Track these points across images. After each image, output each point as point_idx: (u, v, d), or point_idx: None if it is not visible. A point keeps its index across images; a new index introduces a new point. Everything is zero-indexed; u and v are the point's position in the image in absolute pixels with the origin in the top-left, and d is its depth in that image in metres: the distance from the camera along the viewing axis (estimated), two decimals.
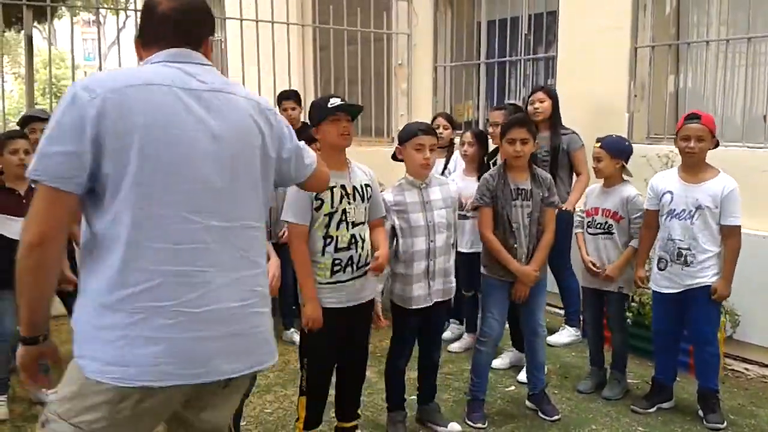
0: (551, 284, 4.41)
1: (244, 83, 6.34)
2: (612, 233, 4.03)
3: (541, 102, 4.88)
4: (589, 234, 4.13)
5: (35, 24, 11.72)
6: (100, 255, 1.75)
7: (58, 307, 4.58)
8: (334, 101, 3.07)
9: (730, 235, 3.67)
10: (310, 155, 2.18)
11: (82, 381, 1.74)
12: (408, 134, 3.39)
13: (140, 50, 1.94)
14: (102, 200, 1.73)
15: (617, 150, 4.03)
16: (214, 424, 2.00)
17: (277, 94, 5.76)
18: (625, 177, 4.07)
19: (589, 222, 4.13)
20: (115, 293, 1.72)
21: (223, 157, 1.82)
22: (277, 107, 5.70)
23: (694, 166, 3.72)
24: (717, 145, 3.74)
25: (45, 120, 4.42)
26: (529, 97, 5.07)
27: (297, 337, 3.98)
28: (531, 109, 4.89)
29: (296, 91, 5.86)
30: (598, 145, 4.05)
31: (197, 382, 1.79)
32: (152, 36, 1.89)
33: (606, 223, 4.05)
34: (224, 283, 1.82)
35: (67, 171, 1.67)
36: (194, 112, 1.78)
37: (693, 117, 3.70)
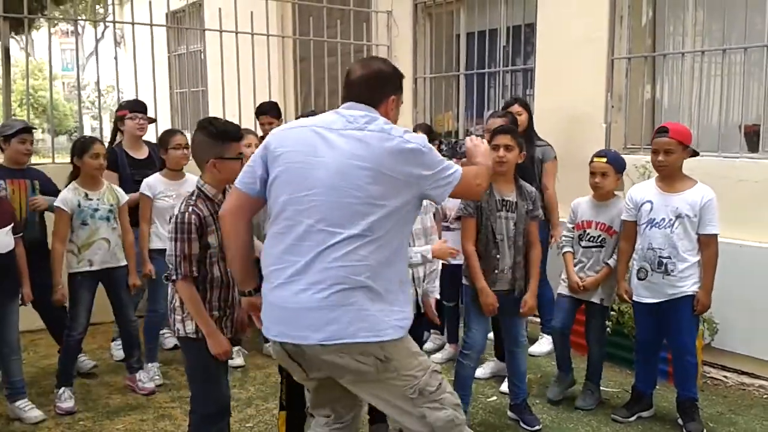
0: None
1: (223, 95, 6.35)
2: (603, 246, 4.04)
3: (519, 115, 4.92)
4: (581, 247, 4.12)
5: (12, 35, 11.60)
6: None
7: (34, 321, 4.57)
8: None
9: (708, 245, 3.70)
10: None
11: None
12: None
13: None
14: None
15: (621, 165, 4.05)
16: None
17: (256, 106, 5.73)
18: (616, 192, 4.09)
19: (580, 235, 4.12)
20: None
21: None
22: (257, 118, 5.66)
23: (668, 178, 3.76)
24: (694, 154, 3.77)
25: (32, 131, 4.36)
26: (504, 109, 5.07)
27: None
28: None
29: (274, 104, 5.68)
30: (604, 160, 4.00)
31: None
32: (343, 95, 2.54)
33: (599, 236, 4.05)
34: None
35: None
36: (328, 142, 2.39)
37: (661, 130, 3.74)
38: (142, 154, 4.92)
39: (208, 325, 2.86)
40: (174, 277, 2.83)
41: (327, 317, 2.30)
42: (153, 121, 5.25)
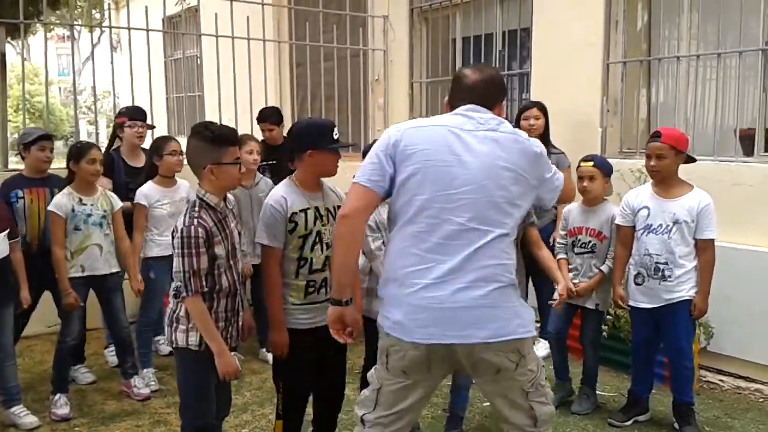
0: (530, 298, 4.43)
1: (219, 100, 6.35)
2: (594, 252, 4.04)
3: (537, 119, 4.88)
4: (575, 253, 4.10)
5: (8, 40, 11.60)
6: None
7: (30, 327, 4.55)
8: (337, 133, 3.06)
9: (705, 249, 3.70)
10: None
11: None
12: None
13: (447, 107, 2.57)
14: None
15: (608, 169, 4.04)
16: None
17: (257, 111, 5.72)
18: (605, 197, 4.09)
19: (573, 241, 4.11)
20: None
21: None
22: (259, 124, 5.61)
23: (663, 183, 3.75)
24: (689, 160, 3.76)
25: (51, 138, 4.34)
26: (521, 112, 5.04)
27: (270, 356, 3.95)
28: (525, 125, 4.87)
29: (275, 110, 5.67)
30: (591, 164, 3.99)
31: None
32: (459, 98, 2.51)
33: (590, 242, 4.04)
34: None
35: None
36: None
37: (654, 135, 3.75)
38: (139, 162, 4.88)
39: (218, 344, 2.78)
40: (184, 294, 2.73)
41: (489, 315, 2.31)
42: (152, 128, 5.24)
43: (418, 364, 2.39)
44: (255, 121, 5.68)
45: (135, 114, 4.94)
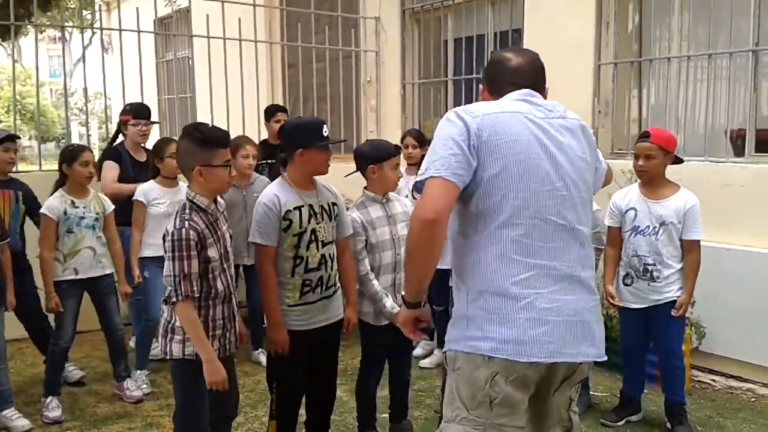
0: None
1: (211, 101, 6.34)
2: None
3: None
4: None
5: None
6: None
7: (20, 331, 4.54)
8: (326, 130, 3.07)
9: (691, 250, 3.72)
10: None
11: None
12: (387, 153, 3.39)
13: (486, 94, 2.33)
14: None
15: None
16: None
17: (265, 108, 5.80)
18: None
19: None
20: None
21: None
22: (269, 120, 5.66)
23: (651, 183, 3.76)
24: (677, 161, 3.77)
25: (16, 140, 4.35)
26: None
27: (263, 358, 3.94)
28: None
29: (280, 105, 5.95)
30: None
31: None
32: (505, 82, 2.27)
33: None
34: None
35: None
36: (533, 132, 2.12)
37: (643, 135, 3.76)
38: (142, 157, 4.92)
39: (208, 352, 2.71)
40: (174, 299, 2.66)
41: (595, 330, 2.11)
42: (157, 123, 5.25)
43: (525, 388, 2.07)
44: (250, 122, 5.72)
45: (139, 113, 4.95)
